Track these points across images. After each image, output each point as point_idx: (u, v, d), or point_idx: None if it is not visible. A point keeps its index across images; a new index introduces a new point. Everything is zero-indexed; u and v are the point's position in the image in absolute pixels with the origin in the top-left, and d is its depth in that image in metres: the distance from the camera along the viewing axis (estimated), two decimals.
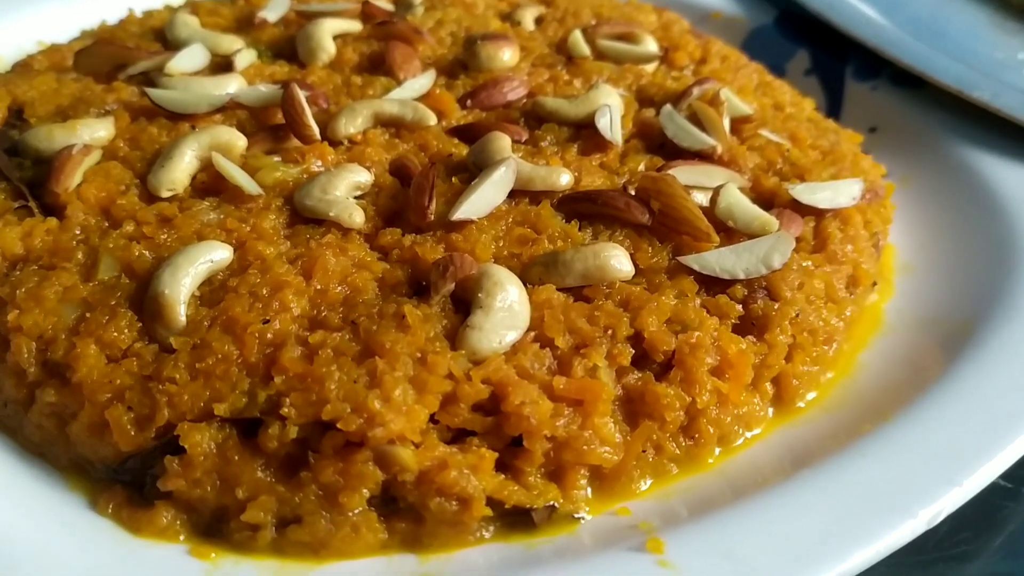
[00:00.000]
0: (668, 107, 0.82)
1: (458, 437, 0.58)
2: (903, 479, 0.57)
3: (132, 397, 0.57)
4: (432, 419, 0.57)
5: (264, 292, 0.61)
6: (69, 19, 1.03)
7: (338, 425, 0.54)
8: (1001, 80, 1.02)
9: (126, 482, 0.57)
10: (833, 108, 1.02)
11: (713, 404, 0.62)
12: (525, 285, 0.63)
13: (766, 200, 0.76)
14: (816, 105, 0.98)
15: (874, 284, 0.77)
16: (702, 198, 0.73)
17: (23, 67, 0.87)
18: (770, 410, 0.67)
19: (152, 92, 0.78)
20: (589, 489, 0.60)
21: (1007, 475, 0.68)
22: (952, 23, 1.20)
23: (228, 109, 0.79)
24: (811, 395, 0.69)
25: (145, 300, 0.61)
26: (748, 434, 0.65)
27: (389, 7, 1.01)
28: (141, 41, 0.93)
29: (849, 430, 0.64)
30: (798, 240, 0.71)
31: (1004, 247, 0.79)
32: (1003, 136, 0.92)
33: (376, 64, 0.90)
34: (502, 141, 0.75)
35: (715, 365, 0.63)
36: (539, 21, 1.04)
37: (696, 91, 0.85)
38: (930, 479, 0.57)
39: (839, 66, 1.06)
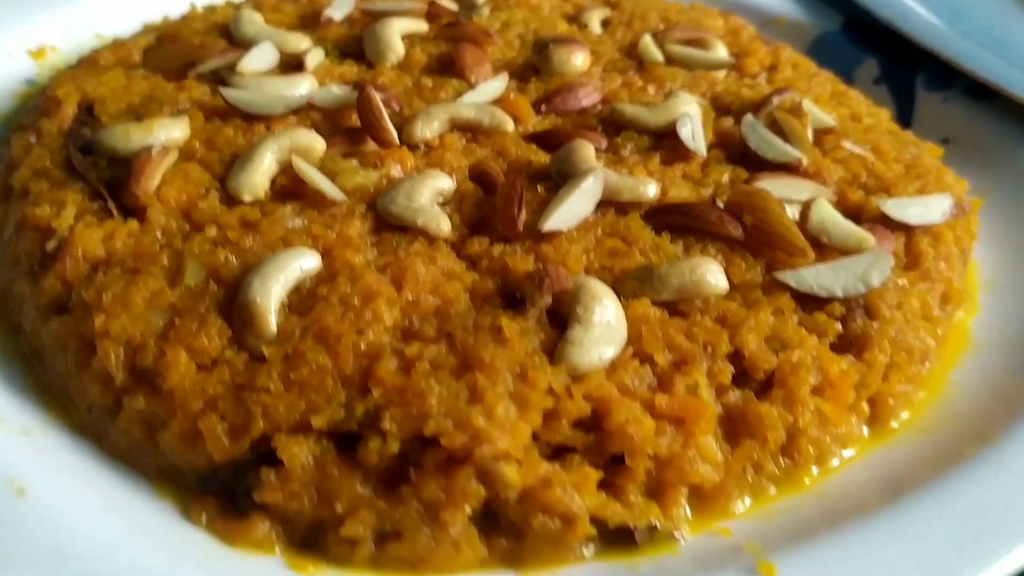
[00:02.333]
0: (749, 117, 0.80)
1: (557, 454, 0.57)
2: (1013, 502, 0.56)
3: (225, 406, 0.56)
4: (534, 437, 0.55)
5: (355, 302, 0.60)
6: (127, 11, 1.02)
7: (441, 441, 0.53)
8: None
9: (218, 492, 0.56)
10: (904, 118, 1.01)
11: (814, 424, 0.61)
12: (620, 299, 0.62)
13: (853, 214, 0.74)
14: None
15: (962, 301, 0.75)
16: (792, 212, 0.71)
17: (89, 62, 0.86)
18: (865, 429, 0.66)
19: (227, 92, 0.77)
20: (689, 509, 0.58)
21: None
22: (1015, 33, 1.18)
23: (303, 111, 0.78)
24: (904, 415, 0.67)
25: (235, 308, 0.60)
26: (844, 454, 0.64)
27: (454, 7, 1.00)
28: (207, 38, 0.92)
29: (947, 452, 0.62)
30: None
31: None
32: None
33: (445, 66, 0.88)
34: (586, 150, 0.73)
35: (817, 384, 0.61)
36: (605, 24, 1.03)
37: (776, 100, 0.84)
38: None
39: (910, 76, 1.04)
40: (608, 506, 0.55)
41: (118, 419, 0.59)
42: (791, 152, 0.76)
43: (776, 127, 0.80)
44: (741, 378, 0.61)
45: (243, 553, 0.54)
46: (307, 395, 0.56)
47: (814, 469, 0.62)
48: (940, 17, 1.16)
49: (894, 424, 0.66)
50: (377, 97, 0.76)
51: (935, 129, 0.97)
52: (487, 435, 0.53)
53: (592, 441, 0.56)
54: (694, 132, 0.78)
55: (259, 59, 0.83)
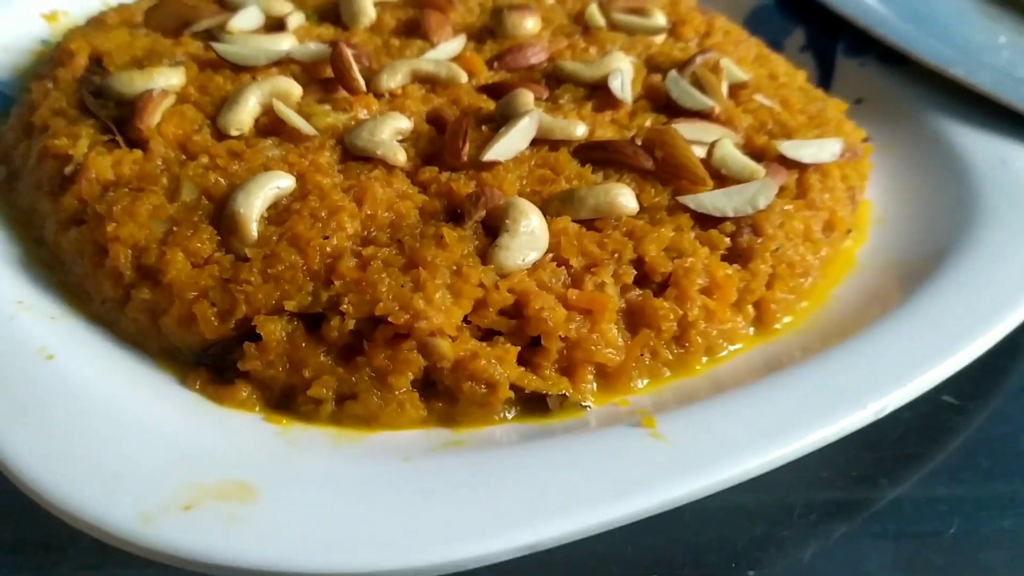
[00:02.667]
0: (673, 72, 0.92)
1: (487, 336, 0.69)
2: (858, 380, 0.68)
3: (215, 295, 0.68)
4: (465, 320, 0.68)
5: (323, 215, 0.72)
6: None
7: (388, 319, 0.65)
8: (978, 60, 1.12)
9: (209, 365, 0.68)
10: (824, 81, 1.13)
11: (702, 319, 0.73)
12: (545, 217, 0.74)
13: (756, 155, 0.86)
14: (808, 77, 1.08)
15: (848, 231, 0.88)
16: (700, 151, 0.83)
17: (97, 22, 0.98)
18: (751, 330, 0.78)
19: (217, 46, 0.89)
20: (595, 384, 0.71)
21: (955, 393, 0.79)
22: (940, 7, 1.30)
23: (283, 64, 0.90)
24: (787, 319, 0.79)
25: (222, 218, 0.72)
26: (731, 347, 0.76)
27: None
28: (201, 1, 1.03)
29: (818, 345, 0.75)
30: (782, 188, 0.82)
31: (964, 203, 0.90)
32: (975, 109, 1.02)
33: (412, 29, 1.00)
34: (526, 97, 0.86)
35: (705, 286, 0.74)
36: None
37: (699, 59, 0.96)
38: (880, 380, 0.67)
39: (831, 43, 1.16)
40: (526, 377, 0.68)
41: (127, 308, 0.71)
42: (705, 101, 0.89)
43: (697, 82, 0.92)
44: (642, 280, 0.73)
45: (230, 411, 0.66)
46: (281, 286, 0.68)
47: (704, 358, 0.75)
48: None
49: (777, 327, 0.79)
50: (348, 52, 0.88)
51: (851, 90, 1.09)
52: (425, 314, 0.65)
53: (514, 326, 0.69)
54: (623, 84, 0.90)
55: (246, 20, 0.95)
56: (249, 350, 0.67)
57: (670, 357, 0.73)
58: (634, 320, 0.72)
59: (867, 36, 1.12)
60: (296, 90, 0.85)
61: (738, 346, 0.76)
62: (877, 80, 1.10)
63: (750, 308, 0.77)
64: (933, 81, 1.06)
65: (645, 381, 0.72)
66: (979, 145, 0.98)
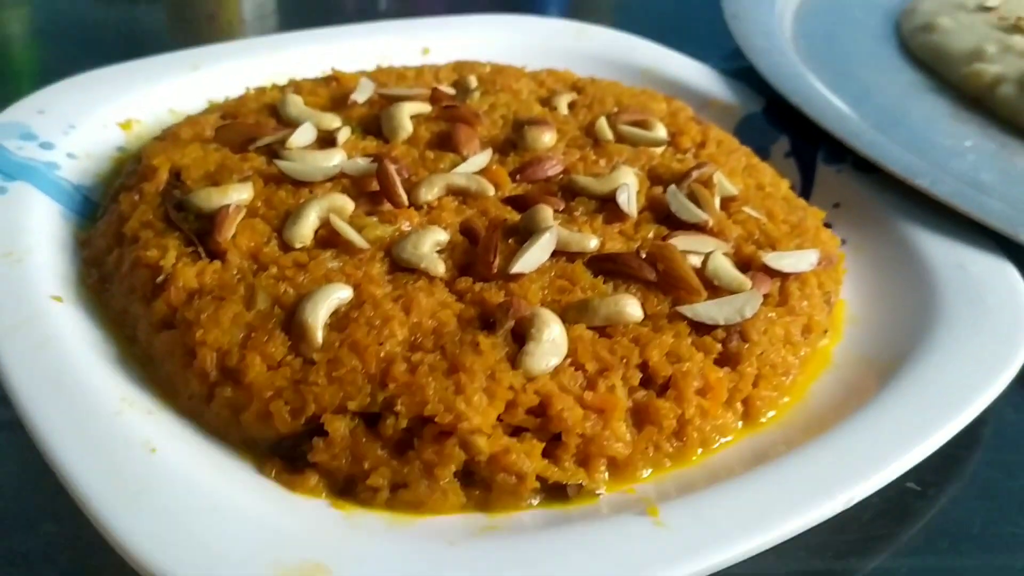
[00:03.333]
0: (673, 187, 1.06)
1: (516, 433, 0.82)
2: (830, 472, 0.80)
3: (287, 395, 0.80)
4: (499, 419, 0.81)
5: (377, 323, 0.84)
6: (193, 91, 1.28)
7: (435, 420, 0.78)
8: (944, 167, 1.26)
9: (282, 456, 0.81)
10: (806, 186, 1.26)
11: (698, 416, 0.86)
12: (564, 324, 0.87)
13: (744, 263, 0.99)
14: (792, 184, 1.21)
15: (825, 331, 1.01)
16: (696, 260, 0.97)
17: (173, 136, 1.11)
18: (740, 424, 0.91)
19: (280, 164, 1.02)
20: (607, 474, 0.83)
21: (918, 480, 0.92)
22: (912, 113, 1.44)
23: (336, 179, 1.03)
24: (771, 413, 0.92)
25: (292, 325, 0.84)
26: (723, 440, 0.89)
27: (452, 91, 1.26)
28: (260, 116, 1.17)
29: (798, 439, 0.88)
30: (766, 297, 0.94)
31: (928, 304, 1.03)
32: (939, 216, 1.15)
33: (444, 141, 1.14)
34: (546, 212, 0.99)
35: (700, 387, 0.86)
36: (571, 106, 1.28)
37: (695, 174, 1.09)
38: (850, 472, 0.80)
39: (812, 151, 1.30)
40: (549, 469, 0.80)
41: (212, 404, 0.83)
42: (700, 215, 1.02)
43: (693, 196, 1.06)
44: (647, 382, 0.85)
45: (301, 497, 0.79)
46: (344, 387, 0.80)
47: (699, 450, 0.87)
48: (848, 99, 1.42)
49: (763, 420, 0.91)
50: (392, 168, 1.01)
51: (829, 195, 1.23)
52: (466, 415, 0.78)
53: (539, 423, 0.81)
54: (629, 199, 1.03)
55: (302, 137, 1.09)
56: (318, 444, 0.79)
57: (671, 450, 0.86)
58: (640, 418, 0.85)
59: (844, 145, 1.26)
60: (349, 205, 0.98)
61: (729, 438, 0.89)
62: (853, 186, 1.24)
63: (739, 405, 0.90)
64: (902, 188, 1.20)
65: (649, 471, 0.85)
66: (941, 250, 1.11)
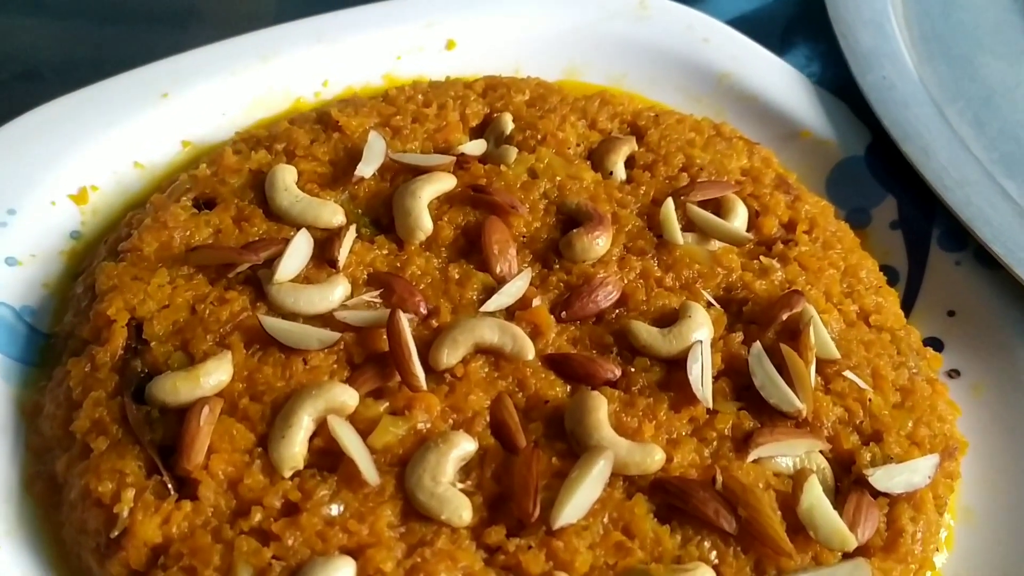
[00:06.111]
0: (757, 346, 0.84)
1: None
2: None
3: None
4: None
5: None
6: (163, 128, 1.03)
7: None
8: None
9: None
10: (914, 279, 1.01)
11: None
12: None
13: (844, 463, 0.81)
14: (895, 266, 0.99)
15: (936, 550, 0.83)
16: (784, 462, 0.79)
17: (136, 258, 0.88)
18: None
19: (266, 323, 0.81)
20: None
21: None
22: None
23: (335, 346, 0.82)
24: None
25: None
26: None
27: (481, 149, 1.01)
28: (240, 193, 0.94)
29: None
30: (869, 543, 0.76)
31: None
32: None
33: (472, 240, 0.92)
34: (600, 413, 0.79)
35: None
36: (629, 162, 1.03)
37: (784, 316, 0.87)
38: None
39: (927, 226, 1.03)
40: None
41: None
42: (793, 402, 0.81)
43: (782, 364, 0.84)
44: None
45: None
46: None
47: None
48: (969, 114, 1.13)
49: None
50: (406, 328, 0.81)
51: (942, 300, 0.99)
52: None
53: None
54: (703, 373, 0.82)
55: (294, 261, 0.87)
56: None
57: None
58: None
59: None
60: (352, 400, 0.78)
61: None
62: (971, 287, 0.99)
63: None
64: None
65: None
66: None
